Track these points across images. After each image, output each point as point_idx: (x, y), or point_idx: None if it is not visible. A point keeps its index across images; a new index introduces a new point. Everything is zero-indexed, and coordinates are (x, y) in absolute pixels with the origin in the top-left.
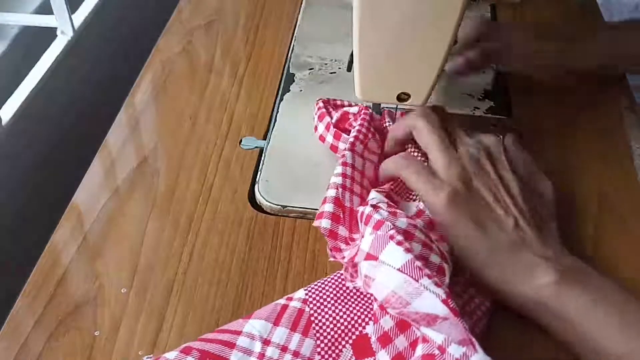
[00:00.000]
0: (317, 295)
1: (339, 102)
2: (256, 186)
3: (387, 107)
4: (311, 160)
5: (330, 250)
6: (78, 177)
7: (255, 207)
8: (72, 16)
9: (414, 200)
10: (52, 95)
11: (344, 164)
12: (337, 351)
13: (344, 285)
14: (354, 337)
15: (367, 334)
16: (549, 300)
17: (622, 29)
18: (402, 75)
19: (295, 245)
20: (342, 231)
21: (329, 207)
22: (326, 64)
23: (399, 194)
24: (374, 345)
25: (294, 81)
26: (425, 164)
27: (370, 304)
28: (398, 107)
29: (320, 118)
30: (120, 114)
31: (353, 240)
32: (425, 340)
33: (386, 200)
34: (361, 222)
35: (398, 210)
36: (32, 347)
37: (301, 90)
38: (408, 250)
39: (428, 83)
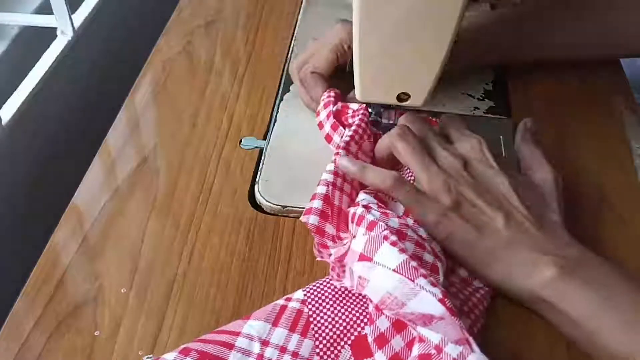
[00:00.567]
0: (316, 295)
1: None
2: (256, 186)
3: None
4: (311, 160)
5: (317, 248)
6: (78, 177)
7: (255, 207)
8: (72, 16)
9: None
10: (52, 95)
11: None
12: (335, 352)
13: (342, 285)
14: (352, 337)
15: (366, 334)
16: (551, 297)
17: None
18: (402, 75)
19: (295, 245)
20: (329, 229)
21: (317, 204)
22: None
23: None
24: (372, 346)
25: (294, 81)
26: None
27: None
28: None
29: (326, 105)
30: (120, 114)
31: (340, 239)
32: (421, 339)
33: (376, 200)
34: (352, 223)
35: (389, 211)
36: (32, 347)
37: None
38: (402, 250)
39: (428, 83)
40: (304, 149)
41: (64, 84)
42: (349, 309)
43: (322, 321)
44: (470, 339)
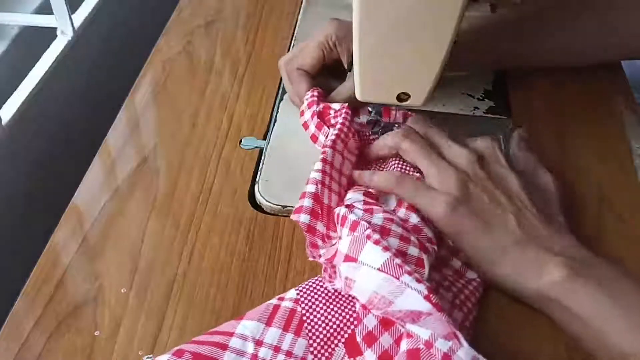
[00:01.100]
0: (309, 294)
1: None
2: (256, 186)
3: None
4: (311, 160)
5: (309, 248)
6: (78, 177)
7: (255, 207)
8: (72, 16)
9: None
10: (52, 95)
11: (324, 160)
12: (330, 350)
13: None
14: (346, 335)
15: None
16: (560, 296)
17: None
18: (402, 75)
19: (295, 245)
20: (320, 227)
21: (308, 202)
22: None
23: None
24: (360, 345)
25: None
26: (412, 175)
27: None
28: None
29: (310, 105)
30: (120, 114)
31: (330, 238)
32: (409, 335)
33: (363, 198)
34: (337, 223)
35: (374, 207)
36: (32, 347)
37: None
38: (386, 248)
39: (428, 83)
40: (304, 149)
41: (64, 84)
42: (342, 307)
43: (315, 320)
44: (458, 334)
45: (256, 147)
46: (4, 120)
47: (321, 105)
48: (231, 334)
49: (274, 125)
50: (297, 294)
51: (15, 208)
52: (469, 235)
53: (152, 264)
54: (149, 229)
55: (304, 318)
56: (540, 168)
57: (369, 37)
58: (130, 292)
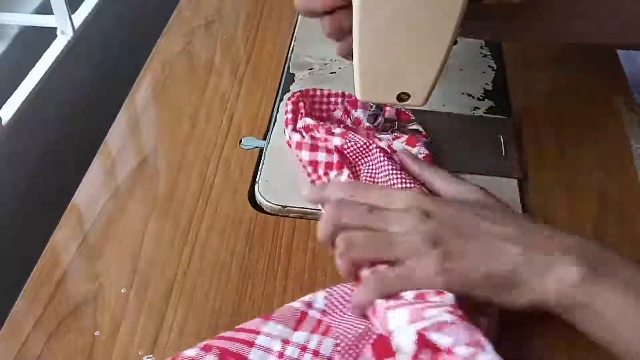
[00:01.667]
0: (337, 307)
1: (311, 92)
2: (256, 186)
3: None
4: None
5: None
6: (78, 177)
7: (255, 207)
8: (72, 16)
9: None
10: (52, 95)
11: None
12: (357, 350)
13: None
14: (374, 336)
15: (387, 335)
16: (581, 297)
17: None
18: (402, 75)
19: (295, 245)
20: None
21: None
22: (326, 64)
23: None
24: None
25: (294, 81)
26: (413, 188)
27: None
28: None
29: (286, 124)
30: (120, 114)
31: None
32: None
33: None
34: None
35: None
36: (32, 347)
37: (301, 90)
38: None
39: (428, 83)
40: None
41: (64, 84)
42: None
43: (343, 327)
44: (483, 340)
45: (256, 147)
46: (4, 120)
47: (305, 119)
48: (258, 332)
49: (274, 125)
50: (326, 304)
51: (15, 208)
52: (470, 280)
53: (152, 264)
54: (149, 229)
55: (332, 326)
56: (464, 182)
57: (369, 36)
58: (130, 292)
